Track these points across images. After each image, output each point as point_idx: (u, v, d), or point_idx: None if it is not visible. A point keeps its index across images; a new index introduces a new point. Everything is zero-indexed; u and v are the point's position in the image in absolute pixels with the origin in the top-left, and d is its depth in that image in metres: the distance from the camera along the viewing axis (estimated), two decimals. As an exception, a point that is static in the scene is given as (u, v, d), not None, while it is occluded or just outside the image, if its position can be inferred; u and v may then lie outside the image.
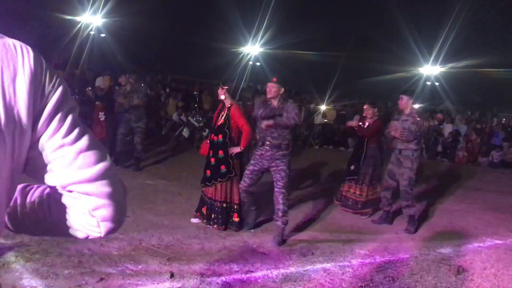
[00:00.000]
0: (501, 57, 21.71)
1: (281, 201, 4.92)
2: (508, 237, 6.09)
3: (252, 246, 4.73)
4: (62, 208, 0.90)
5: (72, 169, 0.86)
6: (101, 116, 7.97)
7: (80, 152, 0.86)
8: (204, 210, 5.28)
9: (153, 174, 7.89)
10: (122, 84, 7.96)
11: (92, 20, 18.54)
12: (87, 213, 0.89)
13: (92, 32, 18.85)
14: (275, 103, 5.02)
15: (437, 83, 25.90)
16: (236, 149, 5.15)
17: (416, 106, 21.30)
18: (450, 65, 23.73)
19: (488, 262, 5.01)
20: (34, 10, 15.44)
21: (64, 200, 0.89)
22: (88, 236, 0.94)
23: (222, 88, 5.26)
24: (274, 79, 5.06)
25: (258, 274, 4.06)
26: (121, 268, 3.87)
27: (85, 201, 0.88)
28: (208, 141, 5.45)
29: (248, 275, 4.00)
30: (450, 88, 24.75)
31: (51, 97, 0.85)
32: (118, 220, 0.93)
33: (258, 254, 4.54)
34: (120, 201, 0.92)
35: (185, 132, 10.11)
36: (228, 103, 5.25)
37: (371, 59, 24.75)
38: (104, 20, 19.14)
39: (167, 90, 14.49)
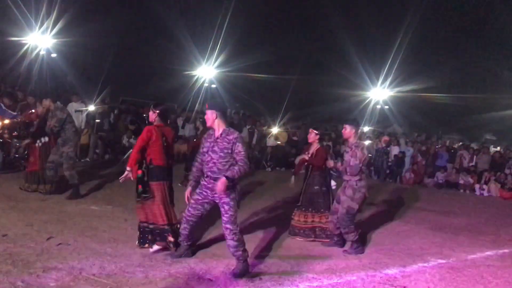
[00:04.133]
0: (443, 83, 22.84)
1: (228, 237, 4.61)
2: (451, 257, 6.28)
3: (199, 273, 4.62)
4: None
5: None
6: (38, 143, 7.54)
7: None
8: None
9: (99, 199, 7.62)
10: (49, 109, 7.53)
11: (41, 40, 18.01)
12: None
13: (42, 53, 18.31)
14: (216, 132, 4.69)
15: (386, 107, 26.80)
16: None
17: (367, 129, 21.92)
18: (397, 89, 24.66)
19: (432, 282, 5.12)
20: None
21: None
22: None
23: (154, 112, 5.30)
24: (207, 105, 4.80)
25: (203, 302, 3.95)
26: (57, 301, 3.66)
27: None
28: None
29: (192, 303, 3.88)
30: (398, 112, 25.70)
31: None
32: None
33: (204, 281, 4.43)
34: None
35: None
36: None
37: (322, 82, 25.41)
38: (54, 40, 18.65)
39: (116, 112, 14.18)
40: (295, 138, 16.50)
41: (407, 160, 15.45)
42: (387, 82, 24.05)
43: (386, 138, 16.24)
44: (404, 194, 12.32)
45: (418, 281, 5.09)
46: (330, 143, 16.19)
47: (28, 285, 3.88)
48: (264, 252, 5.60)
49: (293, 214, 6.55)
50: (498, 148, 21.87)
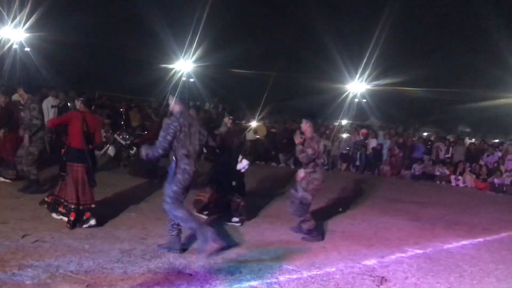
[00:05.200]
0: (419, 76, 23.18)
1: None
2: (428, 247, 6.39)
3: (178, 267, 4.59)
4: None
5: None
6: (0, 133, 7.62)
7: None
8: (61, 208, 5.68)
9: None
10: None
11: (14, 34, 17.59)
12: None
13: (14, 46, 17.88)
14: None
15: (364, 100, 27.06)
16: None
17: (345, 122, 22.05)
18: (374, 82, 24.92)
19: (410, 272, 5.21)
20: None
21: None
22: None
23: (78, 100, 5.97)
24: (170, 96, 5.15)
25: (183, 296, 3.93)
26: (33, 299, 3.59)
27: None
28: None
29: (172, 298, 3.86)
30: (375, 105, 25.99)
31: None
32: None
33: (184, 276, 4.40)
34: None
35: (111, 151, 9.71)
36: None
37: (301, 77, 25.48)
38: (27, 34, 18.23)
39: (92, 107, 13.92)
40: (273, 130, 16.52)
41: (385, 152, 15.63)
42: (365, 76, 24.30)
43: (364, 131, 16.39)
44: (382, 186, 12.48)
45: (396, 271, 5.17)
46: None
47: (3, 283, 3.79)
48: (243, 245, 5.60)
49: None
50: (473, 140, 22.33)
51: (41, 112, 7.57)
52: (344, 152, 15.83)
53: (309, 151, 5.98)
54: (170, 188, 4.88)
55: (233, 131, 7.12)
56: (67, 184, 5.66)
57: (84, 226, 5.55)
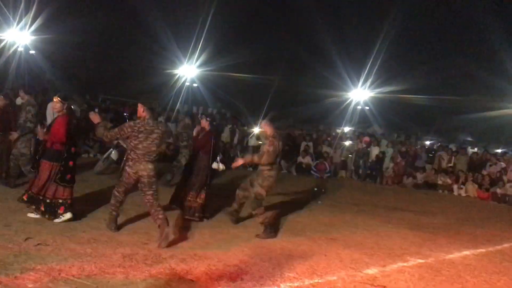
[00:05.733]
0: (422, 85, 23.18)
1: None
2: (430, 256, 6.38)
3: (180, 273, 4.59)
4: None
5: None
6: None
7: None
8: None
9: (77, 199, 7.49)
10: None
11: (19, 37, 17.68)
12: None
13: (19, 49, 17.96)
14: None
15: (366, 107, 27.05)
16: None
17: (347, 129, 22.05)
18: (377, 90, 24.92)
19: (411, 281, 5.20)
20: None
21: None
22: None
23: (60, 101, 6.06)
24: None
25: (185, 302, 3.93)
26: (35, 302, 3.60)
27: None
28: None
29: (174, 304, 3.86)
30: (378, 112, 25.98)
31: None
32: None
33: (185, 282, 4.41)
34: None
35: (114, 155, 9.71)
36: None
37: (304, 83, 25.50)
38: (33, 37, 18.31)
39: (96, 110, 13.98)
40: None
41: (387, 160, 15.62)
42: (368, 83, 24.32)
43: (366, 138, 16.40)
44: (384, 194, 12.47)
45: (398, 281, 5.16)
46: (311, 143, 16.29)
47: (5, 287, 3.80)
48: (244, 251, 5.60)
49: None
50: (476, 149, 22.29)
51: (36, 116, 7.71)
52: (343, 159, 15.84)
53: (270, 148, 6.37)
54: None
55: (209, 132, 7.31)
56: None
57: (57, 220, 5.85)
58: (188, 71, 24.07)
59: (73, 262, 4.50)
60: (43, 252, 4.71)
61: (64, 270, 4.29)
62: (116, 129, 5.65)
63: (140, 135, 5.50)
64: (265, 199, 6.72)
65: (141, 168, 5.55)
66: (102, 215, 6.52)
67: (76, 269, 4.35)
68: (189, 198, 7.00)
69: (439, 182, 15.00)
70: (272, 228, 6.59)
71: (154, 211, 5.56)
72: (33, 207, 5.97)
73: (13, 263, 4.29)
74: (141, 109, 5.65)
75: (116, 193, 5.77)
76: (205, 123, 7.31)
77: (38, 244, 4.90)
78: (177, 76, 23.75)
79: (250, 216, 6.89)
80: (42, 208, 5.91)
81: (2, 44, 16.71)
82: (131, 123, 5.66)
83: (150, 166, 5.58)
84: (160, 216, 5.49)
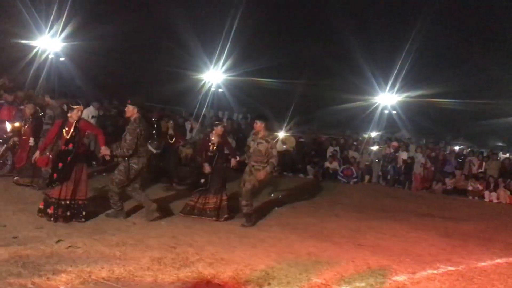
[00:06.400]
0: (451, 88, 22.72)
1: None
2: (461, 264, 6.22)
3: (207, 277, 4.61)
4: None
5: None
6: (31, 141, 7.85)
7: None
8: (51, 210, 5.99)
9: (107, 203, 7.61)
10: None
11: (51, 44, 18.14)
12: None
13: (50, 56, 18.42)
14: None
15: (394, 112, 26.68)
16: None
17: (374, 134, 21.78)
18: (405, 94, 24.56)
19: (442, 289, 5.08)
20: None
21: None
22: None
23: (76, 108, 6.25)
24: (129, 101, 6.44)
25: (212, 306, 3.94)
26: (66, 304, 3.67)
27: None
28: (49, 155, 6.75)
29: (201, 308, 3.88)
30: (406, 117, 25.58)
31: None
32: None
33: (213, 285, 4.42)
34: None
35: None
36: (75, 118, 6.14)
37: (329, 87, 25.32)
38: (63, 44, 18.77)
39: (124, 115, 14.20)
40: (301, 140, 16.44)
41: (416, 165, 15.33)
42: (395, 87, 23.97)
43: (394, 143, 16.16)
44: (412, 200, 12.26)
45: (428, 288, 5.06)
46: (337, 148, 16.14)
47: (38, 287, 3.89)
48: (271, 256, 5.58)
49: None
50: (507, 155, 21.69)
51: (53, 118, 7.98)
52: (366, 163, 15.64)
53: (274, 151, 6.93)
54: None
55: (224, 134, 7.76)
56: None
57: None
58: (214, 76, 24.23)
59: (103, 265, 4.57)
60: (74, 254, 4.81)
61: (94, 272, 4.37)
62: (129, 139, 6.28)
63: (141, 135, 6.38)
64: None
65: (144, 162, 6.56)
66: (131, 218, 6.64)
67: (105, 271, 4.42)
68: (209, 201, 7.18)
69: (469, 188, 14.62)
70: (255, 220, 7.16)
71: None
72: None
73: (45, 264, 4.40)
74: (134, 110, 6.32)
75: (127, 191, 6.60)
76: (219, 130, 7.47)
77: (69, 246, 5.00)
78: (203, 82, 23.94)
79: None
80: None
81: (35, 51, 17.15)
82: (134, 126, 6.34)
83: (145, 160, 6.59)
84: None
